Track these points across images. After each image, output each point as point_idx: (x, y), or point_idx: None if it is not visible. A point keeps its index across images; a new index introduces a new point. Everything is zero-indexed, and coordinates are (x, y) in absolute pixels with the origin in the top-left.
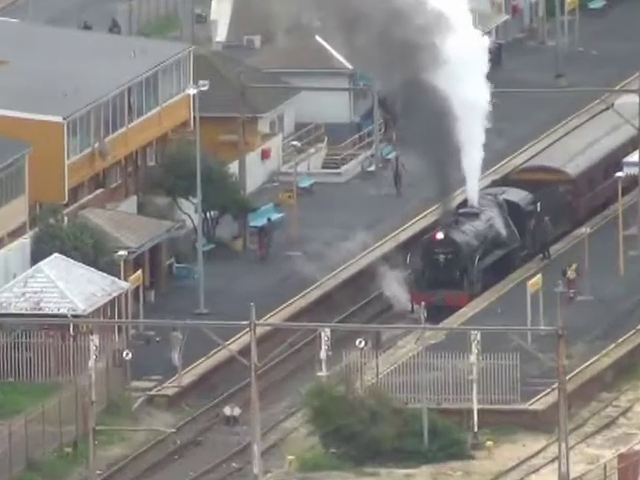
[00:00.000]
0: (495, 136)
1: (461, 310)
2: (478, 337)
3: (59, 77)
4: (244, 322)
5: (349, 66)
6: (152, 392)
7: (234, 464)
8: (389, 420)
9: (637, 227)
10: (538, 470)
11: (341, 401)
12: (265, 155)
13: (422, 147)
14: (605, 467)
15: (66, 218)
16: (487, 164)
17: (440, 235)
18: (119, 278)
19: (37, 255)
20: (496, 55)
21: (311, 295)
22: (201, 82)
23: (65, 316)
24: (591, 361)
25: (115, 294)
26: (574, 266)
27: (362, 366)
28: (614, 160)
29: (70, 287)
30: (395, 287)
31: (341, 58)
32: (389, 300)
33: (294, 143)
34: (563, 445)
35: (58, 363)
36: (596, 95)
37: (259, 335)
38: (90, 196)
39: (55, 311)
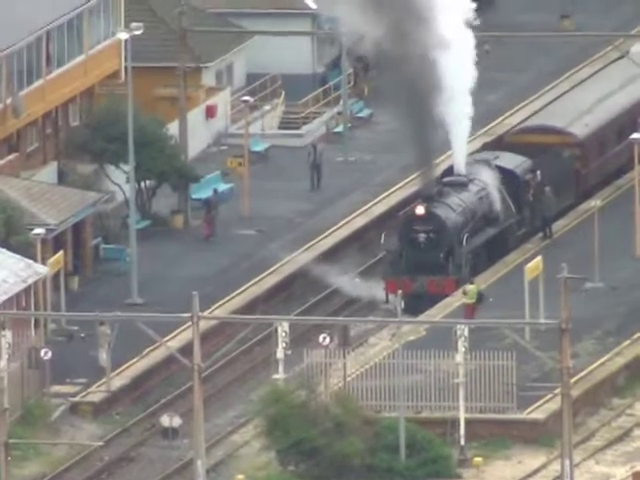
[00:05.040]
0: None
1: (446, 299)
2: (466, 332)
3: None
4: (185, 315)
5: (312, 6)
6: (75, 398)
7: None
8: (358, 432)
9: None
10: None
11: (301, 409)
12: (210, 113)
13: (400, 103)
14: None
15: None
16: (477, 123)
17: (420, 210)
18: (36, 261)
19: None
20: None
21: (266, 282)
22: (134, 25)
23: None
24: (601, 361)
25: (31, 280)
26: (474, 287)
27: (327, 367)
28: (629, 119)
29: None
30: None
31: None
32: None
33: (245, 98)
34: (567, 462)
35: None
36: (608, 41)
37: (203, 330)
38: (1, 162)
39: None
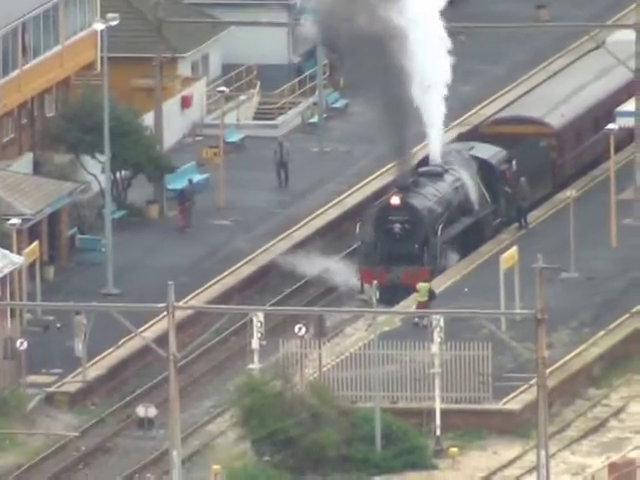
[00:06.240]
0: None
1: None
2: (441, 323)
3: None
4: (161, 305)
5: None
6: (51, 389)
7: (149, 475)
8: (334, 422)
9: (633, 190)
10: None
11: (277, 400)
12: (186, 103)
13: (375, 93)
14: (593, 478)
15: None
16: (453, 113)
17: (396, 200)
18: (11, 251)
19: None
20: None
21: (241, 272)
22: (110, 16)
23: None
24: (577, 351)
25: (6, 270)
26: (426, 285)
27: (302, 358)
28: (605, 109)
29: None
30: (340, 264)
31: None
32: (332, 280)
33: (221, 89)
34: (543, 452)
35: None
36: (584, 31)
37: (179, 320)
38: None
39: None
